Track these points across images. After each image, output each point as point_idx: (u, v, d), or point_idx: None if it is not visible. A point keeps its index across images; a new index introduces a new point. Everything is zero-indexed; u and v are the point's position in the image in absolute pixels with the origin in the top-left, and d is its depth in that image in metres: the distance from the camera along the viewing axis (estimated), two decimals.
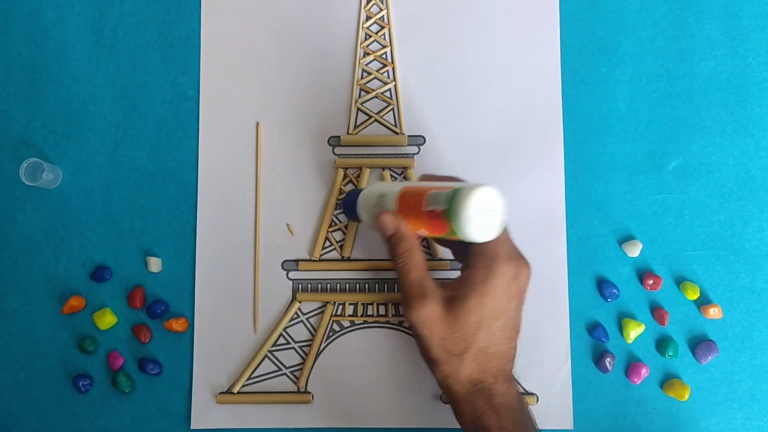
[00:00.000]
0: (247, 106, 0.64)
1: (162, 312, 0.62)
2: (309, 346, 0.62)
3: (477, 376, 0.50)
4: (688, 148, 0.63)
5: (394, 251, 0.52)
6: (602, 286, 0.61)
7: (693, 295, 0.61)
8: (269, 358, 0.62)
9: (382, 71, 0.64)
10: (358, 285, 0.62)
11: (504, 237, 0.50)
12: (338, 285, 0.62)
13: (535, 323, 0.61)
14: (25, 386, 0.61)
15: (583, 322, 0.62)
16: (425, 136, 0.63)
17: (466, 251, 0.52)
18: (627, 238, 0.62)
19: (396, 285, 0.62)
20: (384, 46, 0.64)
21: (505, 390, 0.50)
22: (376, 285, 0.62)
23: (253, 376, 0.61)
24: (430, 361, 0.51)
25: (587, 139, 0.63)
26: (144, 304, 0.62)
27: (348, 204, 0.57)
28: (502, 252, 0.50)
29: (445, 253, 0.62)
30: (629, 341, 0.61)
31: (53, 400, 0.61)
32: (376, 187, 0.55)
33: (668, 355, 0.61)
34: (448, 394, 0.51)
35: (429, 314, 0.50)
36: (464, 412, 0.51)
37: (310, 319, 0.62)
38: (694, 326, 0.62)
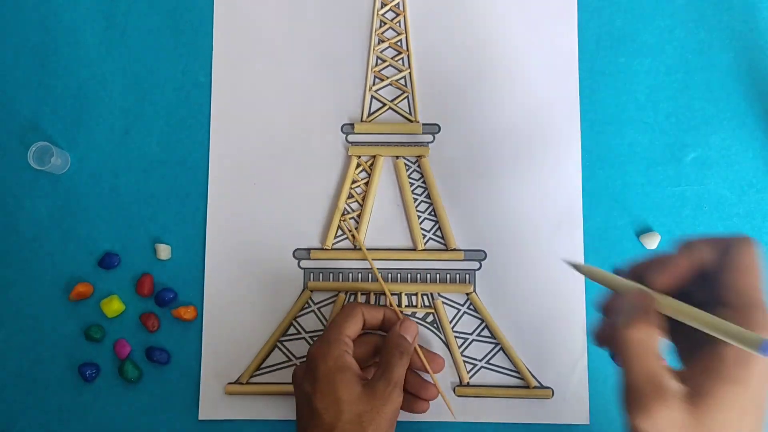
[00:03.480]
0: (259, 92, 0.63)
1: (170, 300, 0.60)
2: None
3: None
4: (707, 140, 0.62)
5: (624, 322, 0.39)
6: None
7: None
8: (279, 348, 0.60)
9: (396, 59, 0.63)
10: (370, 275, 0.61)
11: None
12: (350, 274, 0.61)
13: (551, 317, 0.60)
14: (30, 374, 0.60)
15: (599, 316, 0.60)
16: (440, 124, 0.62)
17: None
18: (645, 231, 0.61)
19: (409, 275, 0.61)
20: (399, 34, 0.63)
21: None
22: (389, 275, 0.61)
23: (262, 366, 0.60)
24: None
25: (605, 130, 0.62)
26: (152, 292, 0.61)
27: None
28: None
29: (459, 243, 0.61)
30: None
31: (59, 389, 0.60)
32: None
33: None
34: None
35: (670, 422, 0.36)
36: None
37: (322, 309, 0.61)
38: None
